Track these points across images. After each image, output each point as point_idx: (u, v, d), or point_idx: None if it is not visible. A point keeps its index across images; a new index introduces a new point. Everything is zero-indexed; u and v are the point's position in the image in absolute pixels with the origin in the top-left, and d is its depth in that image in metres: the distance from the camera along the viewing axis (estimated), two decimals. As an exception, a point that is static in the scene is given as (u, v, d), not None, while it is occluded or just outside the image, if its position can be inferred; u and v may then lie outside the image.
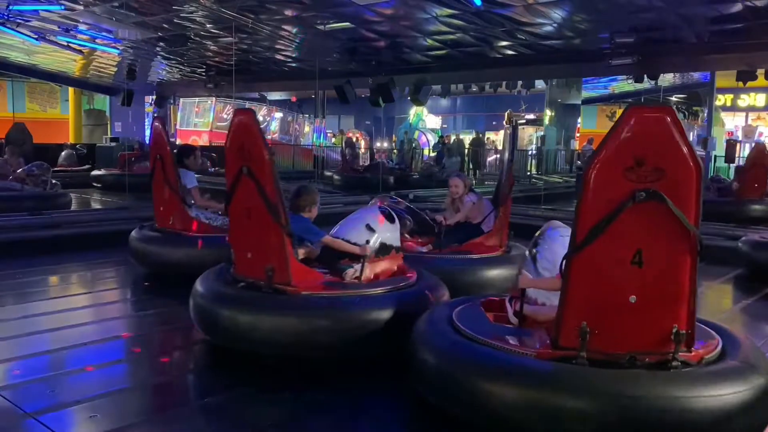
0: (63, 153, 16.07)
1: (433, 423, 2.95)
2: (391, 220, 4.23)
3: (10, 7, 10.44)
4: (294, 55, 13.82)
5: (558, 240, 3.21)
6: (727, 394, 2.48)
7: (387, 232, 4.13)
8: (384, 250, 4.06)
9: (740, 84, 11.18)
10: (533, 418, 2.55)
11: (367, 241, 3.98)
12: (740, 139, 16.08)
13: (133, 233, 5.88)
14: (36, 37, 12.35)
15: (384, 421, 3.07)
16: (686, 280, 2.58)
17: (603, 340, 2.61)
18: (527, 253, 3.45)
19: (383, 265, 4.05)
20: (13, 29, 11.70)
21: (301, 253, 3.88)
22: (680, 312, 2.60)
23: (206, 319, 3.67)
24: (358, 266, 3.89)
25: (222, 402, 3.10)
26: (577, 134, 21.82)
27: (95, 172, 14.33)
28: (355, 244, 3.96)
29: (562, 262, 2.69)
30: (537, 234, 3.43)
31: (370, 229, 4.09)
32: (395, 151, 21.09)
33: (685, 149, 2.48)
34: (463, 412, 2.78)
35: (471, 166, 19.94)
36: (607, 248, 2.58)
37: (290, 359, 3.50)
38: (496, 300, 3.46)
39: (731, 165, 14.11)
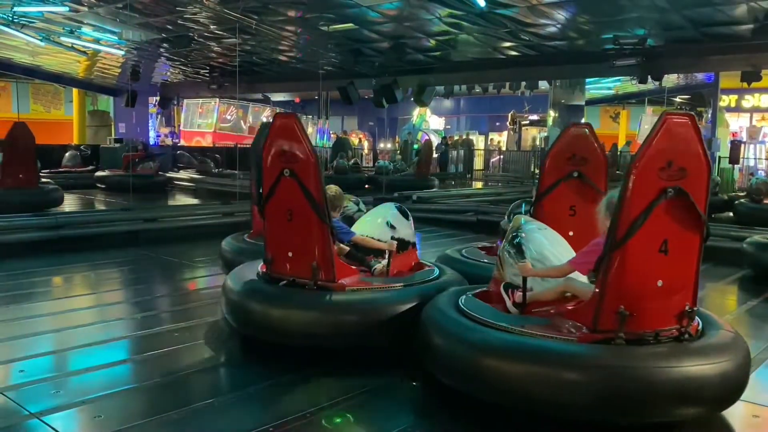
0: (67, 154, 16.13)
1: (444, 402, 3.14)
2: (407, 217, 4.45)
3: (15, 9, 10.46)
4: (297, 56, 13.82)
5: (537, 232, 3.56)
6: (711, 361, 2.84)
7: (406, 229, 4.38)
8: (403, 245, 4.29)
9: (744, 85, 11.14)
10: (582, 399, 2.74)
11: (392, 237, 4.23)
12: (744, 140, 16.04)
13: None
14: (40, 38, 12.38)
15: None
16: (695, 262, 2.96)
17: (636, 321, 2.88)
18: (504, 245, 3.58)
19: (403, 260, 4.27)
20: (17, 30, 11.73)
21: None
22: (691, 291, 2.97)
23: (257, 317, 3.75)
24: (384, 261, 4.15)
25: (227, 401, 3.10)
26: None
27: (99, 173, 14.37)
28: (379, 240, 4.18)
29: (602, 256, 2.90)
30: (510, 228, 3.62)
31: (391, 227, 4.34)
32: (398, 153, 21.07)
33: (701, 149, 2.85)
34: (501, 399, 2.94)
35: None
36: (642, 241, 2.85)
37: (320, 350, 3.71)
38: (488, 291, 3.63)
39: (735, 166, 14.09)
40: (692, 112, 2.92)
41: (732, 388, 2.90)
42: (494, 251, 5.14)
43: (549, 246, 3.49)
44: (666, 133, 2.80)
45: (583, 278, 3.22)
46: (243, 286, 3.92)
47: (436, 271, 4.22)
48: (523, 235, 3.52)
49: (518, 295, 3.35)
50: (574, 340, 2.91)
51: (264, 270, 4.04)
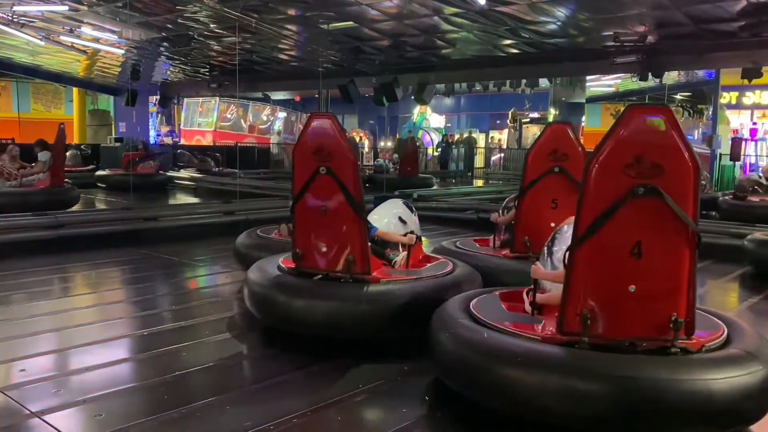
0: (67, 153, 16.11)
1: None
2: (412, 212, 4.78)
3: (15, 8, 10.46)
4: (297, 55, 13.81)
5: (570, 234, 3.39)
6: (721, 378, 2.56)
7: (414, 223, 4.68)
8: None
9: (745, 82, 11.13)
10: (539, 396, 2.68)
11: (407, 232, 4.49)
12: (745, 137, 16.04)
13: None
14: (40, 37, 12.38)
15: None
16: (685, 271, 2.71)
17: (604, 326, 2.78)
18: (545, 248, 3.58)
19: (414, 253, 4.50)
20: (17, 30, 11.73)
21: None
22: (679, 301, 2.73)
23: (296, 310, 3.80)
24: (403, 254, 4.39)
25: (228, 400, 3.10)
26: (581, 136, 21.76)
27: (99, 173, 14.37)
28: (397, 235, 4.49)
29: (565, 254, 2.86)
30: (555, 230, 3.61)
31: (403, 221, 4.61)
32: (395, 152, 21.07)
33: (682, 147, 2.62)
34: (476, 394, 2.96)
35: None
36: (607, 240, 2.73)
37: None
38: (515, 291, 3.63)
39: (736, 163, 14.07)
40: (668, 107, 2.74)
41: (722, 410, 2.58)
42: (487, 243, 5.48)
43: None
44: (628, 126, 2.67)
45: None
46: (276, 281, 3.96)
47: (450, 264, 4.36)
48: (558, 237, 3.48)
49: (533, 295, 3.36)
50: (538, 339, 2.88)
51: (289, 265, 4.09)
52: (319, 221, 3.93)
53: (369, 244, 4.08)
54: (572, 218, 3.34)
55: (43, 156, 9.50)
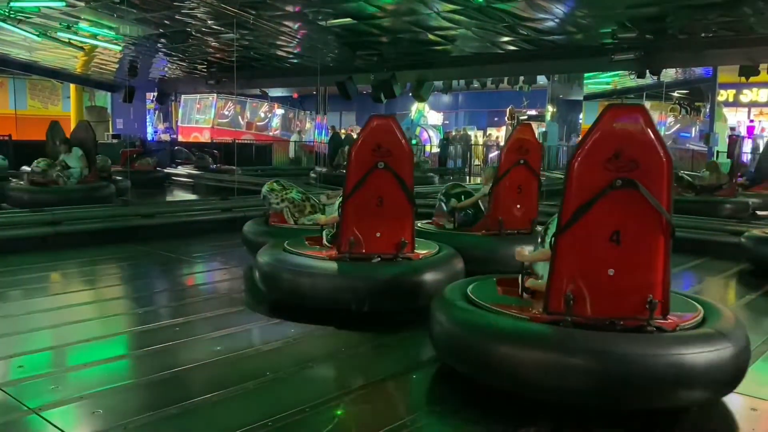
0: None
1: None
2: None
3: (11, 4, 10.42)
4: (296, 52, 13.79)
5: None
6: (690, 354, 2.81)
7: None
8: None
9: (743, 79, 11.13)
10: (526, 370, 2.95)
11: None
12: (743, 134, 16.05)
13: None
14: (37, 33, 12.34)
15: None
16: (660, 257, 2.99)
17: (586, 306, 3.04)
18: (539, 236, 3.79)
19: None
20: (14, 26, 11.68)
21: None
22: (654, 284, 2.99)
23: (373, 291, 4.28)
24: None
25: (226, 396, 3.10)
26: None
27: (97, 169, 14.29)
28: None
29: (550, 240, 3.12)
30: (549, 221, 3.72)
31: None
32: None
33: (657, 144, 2.89)
34: (470, 369, 3.25)
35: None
36: (589, 228, 3.00)
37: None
38: (511, 278, 3.84)
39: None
40: (640, 104, 3.10)
41: (691, 382, 2.85)
42: (436, 223, 6.32)
43: None
44: (608, 125, 2.92)
45: None
46: (347, 267, 4.37)
47: (434, 245, 4.97)
48: (551, 225, 3.62)
49: (528, 280, 3.58)
50: (526, 319, 3.12)
51: (336, 252, 4.52)
52: (375, 211, 4.43)
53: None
54: None
55: (76, 152, 9.45)
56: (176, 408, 2.96)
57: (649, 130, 2.88)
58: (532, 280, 3.55)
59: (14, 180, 9.79)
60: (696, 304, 3.40)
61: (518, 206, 5.73)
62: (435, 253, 4.72)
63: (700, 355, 2.82)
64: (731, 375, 2.95)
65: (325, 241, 5.00)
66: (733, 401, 3.19)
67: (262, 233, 5.98)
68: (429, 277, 4.40)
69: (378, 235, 4.48)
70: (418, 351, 4.01)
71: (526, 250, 3.65)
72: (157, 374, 3.41)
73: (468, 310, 3.31)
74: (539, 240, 3.70)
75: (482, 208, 6.07)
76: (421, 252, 4.70)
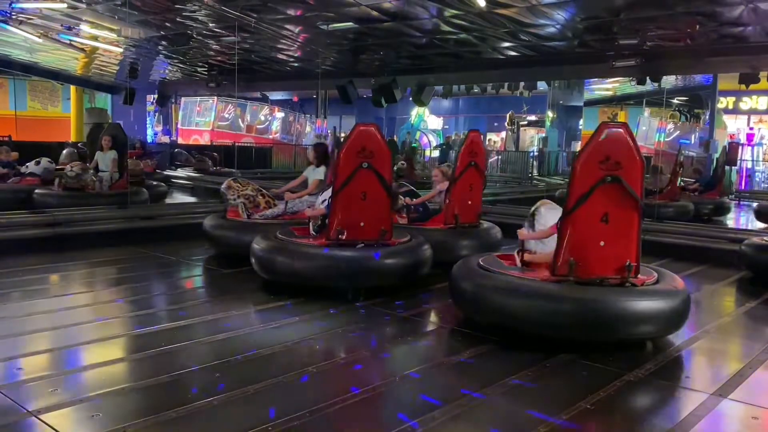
0: (64, 151, 15.99)
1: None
2: None
3: (13, 5, 10.43)
4: (296, 55, 13.80)
5: (549, 211, 4.66)
6: (654, 301, 4.03)
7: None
8: None
9: (742, 87, 11.16)
10: (543, 315, 4.03)
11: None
12: (742, 141, 16.08)
13: None
14: (38, 34, 12.34)
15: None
16: (635, 231, 4.05)
17: (584, 270, 4.06)
18: (527, 220, 4.77)
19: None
20: (15, 27, 11.69)
21: None
22: (631, 251, 4.05)
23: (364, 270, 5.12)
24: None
25: (226, 400, 3.09)
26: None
27: (97, 171, 14.28)
28: None
29: (558, 222, 4.13)
30: (533, 208, 4.76)
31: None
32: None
33: (635, 151, 3.97)
34: (495, 319, 4.28)
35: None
36: (587, 212, 4.01)
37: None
38: (507, 254, 4.92)
39: (733, 167, 14.11)
40: (624, 123, 4.17)
41: (654, 320, 4.05)
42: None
43: (554, 219, 4.38)
44: (600, 137, 3.95)
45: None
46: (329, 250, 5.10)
47: (407, 234, 5.68)
48: (537, 213, 4.66)
49: (525, 255, 4.59)
50: (540, 280, 4.15)
51: (328, 239, 5.17)
52: (360, 204, 5.13)
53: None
54: (547, 201, 4.85)
55: (110, 155, 9.38)
56: (175, 411, 2.95)
57: (629, 141, 3.95)
58: (530, 254, 4.57)
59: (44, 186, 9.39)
60: (652, 270, 4.45)
61: (469, 202, 6.57)
62: (408, 241, 5.51)
63: (659, 302, 4.03)
64: (678, 317, 4.14)
65: (312, 231, 5.62)
66: (735, 409, 3.19)
67: (219, 227, 6.64)
68: (410, 259, 5.37)
69: (362, 224, 5.17)
70: (423, 352, 4.01)
71: (525, 231, 4.64)
72: (156, 377, 3.40)
73: (493, 276, 4.32)
74: (528, 223, 4.68)
75: (428, 205, 6.79)
76: (398, 240, 5.46)
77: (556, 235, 4.18)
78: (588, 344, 4.03)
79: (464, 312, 4.66)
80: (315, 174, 6.76)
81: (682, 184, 11.54)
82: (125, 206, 8.44)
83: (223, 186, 6.92)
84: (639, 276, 4.14)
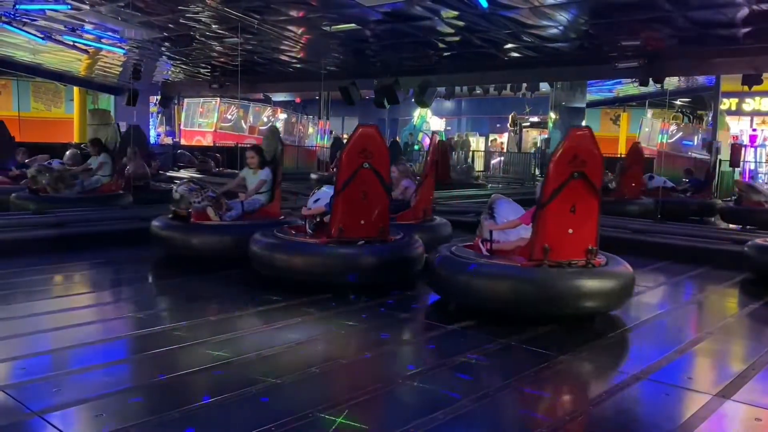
0: (67, 152, 15.98)
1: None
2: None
3: (17, 6, 10.46)
4: (299, 56, 13.81)
5: (505, 204, 5.28)
6: (607, 280, 4.65)
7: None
8: None
9: (745, 88, 11.15)
10: (520, 299, 4.55)
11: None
12: (745, 143, 16.05)
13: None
14: (42, 36, 12.37)
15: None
16: (595, 220, 4.65)
17: (555, 254, 4.58)
18: (484, 213, 5.31)
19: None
20: (19, 28, 11.71)
21: None
22: (593, 237, 4.66)
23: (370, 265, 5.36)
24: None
25: (228, 400, 3.10)
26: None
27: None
28: None
29: (533, 213, 4.70)
30: (489, 202, 5.34)
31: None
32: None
33: (596, 151, 4.54)
34: (477, 302, 4.71)
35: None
36: (559, 204, 4.55)
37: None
38: (472, 244, 5.35)
39: (735, 169, 14.08)
40: (588, 126, 4.81)
41: (612, 295, 4.65)
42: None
43: (511, 211, 5.14)
44: (571, 140, 4.54)
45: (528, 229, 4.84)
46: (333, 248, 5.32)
47: (399, 231, 5.92)
48: (495, 206, 5.24)
49: (489, 244, 5.05)
50: (518, 265, 4.67)
51: (327, 237, 5.36)
52: (361, 203, 5.33)
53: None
54: (500, 195, 5.49)
55: (101, 159, 9.39)
56: (178, 412, 2.95)
57: (592, 142, 4.55)
58: (499, 244, 5.04)
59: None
60: (601, 254, 4.92)
61: (431, 198, 7.42)
62: (401, 238, 5.72)
63: (611, 280, 4.64)
64: (625, 293, 4.77)
65: (308, 230, 5.75)
66: (738, 411, 3.19)
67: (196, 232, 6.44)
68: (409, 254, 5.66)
69: (362, 222, 5.36)
70: (428, 354, 4.01)
71: (495, 224, 5.12)
72: (159, 378, 3.41)
73: (468, 262, 4.79)
74: (489, 216, 5.21)
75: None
76: (393, 237, 5.70)
77: (520, 227, 4.87)
78: (587, 341, 4.25)
79: (455, 301, 4.99)
80: (260, 175, 6.81)
81: (671, 185, 11.75)
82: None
83: (181, 189, 6.68)
84: (597, 259, 4.78)
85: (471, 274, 4.68)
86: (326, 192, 5.83)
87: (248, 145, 10.17)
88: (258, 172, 6.84)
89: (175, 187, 6.91)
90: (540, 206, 4.56)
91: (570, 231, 4.55)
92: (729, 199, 12.36)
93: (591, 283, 4.53)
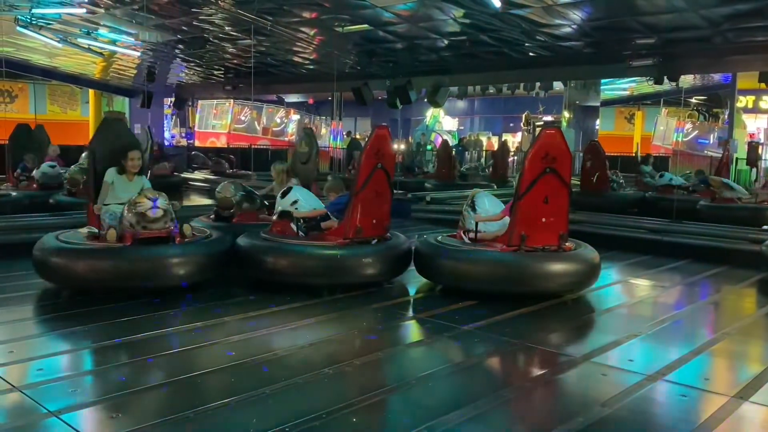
0: (83, 155, 16.24)
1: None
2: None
3: (33, 11, 10.58)
4: (312, 58, 13.85)
5: (485, 198, 5.81)
6: (577, 263, 5.25)
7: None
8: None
9: (762, 85, 11.01)
10: (492, 279, 5.15)
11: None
12: (762, 141, 15.84)
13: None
14: (58, 39, 12.50)
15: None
16: (565, 209, 5.24)
17: (531, 241, 5.16)
18: (465, 206, 5.78)
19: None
20: (35, 32, 11.85)
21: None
22: (563, 224, 5.26)
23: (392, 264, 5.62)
24: (332, 221, 5.82)
25: (244, 401, 3.11)
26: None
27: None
28: None
29: (511, 204, 5.27)
30: (470, 196, 5.84)
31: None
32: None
33: (565, 148, 5.14)
34: (463, 284, 5.28)
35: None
36: (533, 196, 5.12)
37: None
38: (455, 234, 5.84)
39: (752, 168, 13.90)
40: (557, 124, 4.49)
41: (581, 276, 5.29)
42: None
43: (492, 204, 5.71)
44: (543, 139, 5.14)
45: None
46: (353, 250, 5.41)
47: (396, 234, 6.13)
48: (476, 200, 5.73)
49: (472, 234, 5.55)
50: (500, 250, 5.21)
51: (346, 238, 5.37)
52: (374, 202, 5.47)
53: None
54: (478, 189, 6.17)
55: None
56: (193, 412, 2.97)
57: (562, 140, 5.13)
58: (480, 234, 5.47)
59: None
60: (571, 240, 5.41)
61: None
62: (395, 237, 5.92)
63: (579, 263, 5.23)
64: (592, 275, 5.36)
65: (299, 233, 5.52)
66: (756, 413, 3.15)
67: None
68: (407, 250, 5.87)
69: (374, 221, 5.53)
70: (436, 355, 4.01)
71: (480, 215, 5.56)
72: (173, 378, 3.43)
73: (459, 249, 5.40)
74: (470, 209, 5.66)
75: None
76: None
77: (502, 219, 5.37)
78: (601, 342, 4.30)
79: (444, 283, 5.54)
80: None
81: (680, 182, 11.90)
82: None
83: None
84: (567, 245, 5.33)
85: (457, 259, 5.27)
86: (301, 191, 5.85)
87: (262, 146, 10.17)
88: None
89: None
90: (517, 198, 5.12)
91: (543, 220, 5.12)
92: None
93: (561, 266, 5.16)
